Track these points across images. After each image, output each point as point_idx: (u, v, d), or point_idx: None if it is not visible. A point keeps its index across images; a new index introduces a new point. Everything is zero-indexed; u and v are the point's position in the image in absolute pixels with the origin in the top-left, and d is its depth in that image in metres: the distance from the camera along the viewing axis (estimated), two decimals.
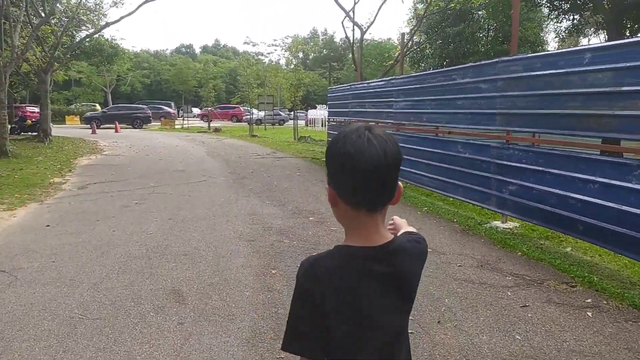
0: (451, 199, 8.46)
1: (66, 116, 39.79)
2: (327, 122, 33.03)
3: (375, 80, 12.46)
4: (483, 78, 7.28)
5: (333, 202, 1.15)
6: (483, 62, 7.63)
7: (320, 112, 36.61)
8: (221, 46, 77.72)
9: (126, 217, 7.22)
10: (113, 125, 31.96)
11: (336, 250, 1.16)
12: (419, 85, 9.27)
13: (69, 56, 21.90)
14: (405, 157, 10.00)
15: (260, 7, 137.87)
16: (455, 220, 7.20)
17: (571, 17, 18.98)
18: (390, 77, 10.97)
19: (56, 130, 29.28)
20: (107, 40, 26.36)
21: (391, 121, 10.56)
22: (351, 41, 21.07)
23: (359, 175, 1.06)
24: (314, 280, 1.12)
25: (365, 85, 12.50)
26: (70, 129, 31.73)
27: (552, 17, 19.58)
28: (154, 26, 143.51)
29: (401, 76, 10.38)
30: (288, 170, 12.63)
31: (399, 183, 1.14)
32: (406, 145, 9.58)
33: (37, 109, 40.25)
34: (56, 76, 25.15)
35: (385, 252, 1.14)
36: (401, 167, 1.12)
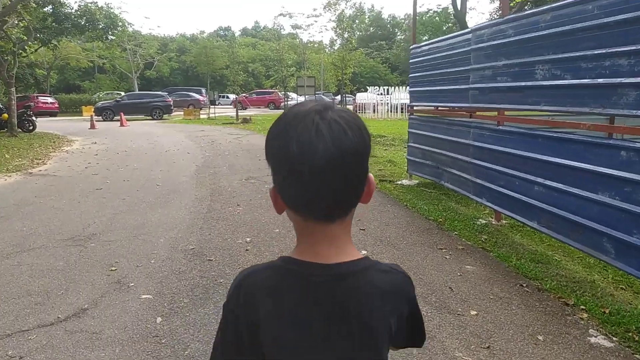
0: None
1: (83, 107, 33.51)
2: (407, 112, 24.07)
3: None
4: None
5: (277, 207, 0.81)
6: None
7: (371, 96, 28.67)
8: (261, 28, 69.97)
9: None
10: (130, 117, 25.42)
11: (278, 263, 0.82)
12: None
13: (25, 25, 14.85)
14: None
15: None
16: None
17: None
18: None
19: (52, 124, 22.92)
20: (99, 8, 19.40)
21: None
22: None
23: (305, 181, 0.72)
24: (243, 298, 0.81)
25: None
26: (76, 122, 25.30)
27: None
28: (193, 10, 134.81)
29: None
30: None
31: (370, 176, 0.80)
32: None
33: (50, 99, 34.48)
34: (37, 56, 18.54)
35: (334, 274, 0.78)
36: None
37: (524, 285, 3.77)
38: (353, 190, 0.78)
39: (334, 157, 0.72)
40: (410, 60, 7.82)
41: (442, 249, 4.57)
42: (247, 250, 4.56)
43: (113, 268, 4.11)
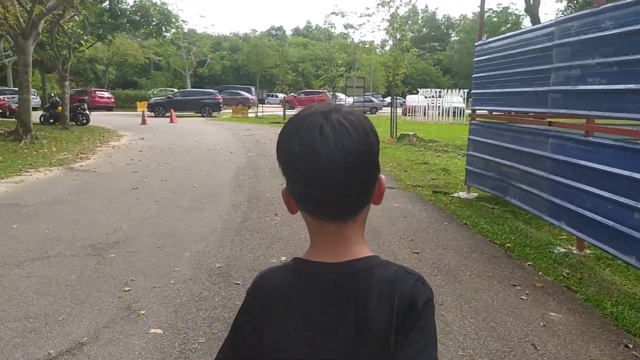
0: None
1: (137, 103, 34.20)
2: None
3: None
4: None
5: (290, 208, 0.82)
6: None
7: (422, 98, 27.51)
8: (313, 28, 69.42)
9: None
10: (180, 114, 25.64)
11: (291, 264, 0.84)
12: None
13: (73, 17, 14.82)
14: None
15: None
16: None
17: None
18: None
19: (106, 118, 23.32)
20: (153, 4, 19.41)
21: None
22: None
23: (310, 182, 0.74)
24: (256, 298, 0.83)
25: None
26: (129, 117, 25.69)
27: None
28: (247, 9, 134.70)
29: None
30: None
31: (381, 177, 0.81)
32: None
33: (107, 94, 35.37)
34: (96, 52, 18.75)
35: (341, 272, 0.79)
36: None
37: (630, 345, 2.89)
38: (360, 192, 0.78)
39: (337, 159, 0.72)
40: (475, 59, 6.92)
41: (515, 285, 3.73)
42: None
43: (127, 288, 3.55)
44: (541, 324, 3.12)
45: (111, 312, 3.17)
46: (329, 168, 0.72)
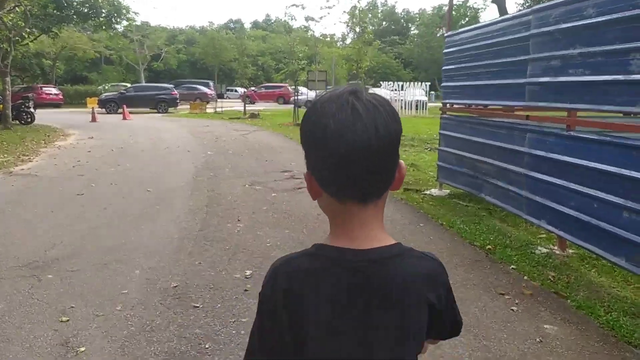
0: None
1: (88, 99, 32.56)
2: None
3: None
4: None
5: (312, 191, 0.82)
6: None
7: (386, 92, 27.44)
8: (272, 21, 68.37)
9: None
10: (134, 110, 24.67)
11: (312, 250, 0.82)
12: None
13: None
14: None
15: None
16: None
17: None
18: None
19: (53, 116, 21.96)
20: None
21: None
22: None
23: (341, 160, 0.74)
24: (279, 284, 0.80)
25: None
26: (78, 114, 24.36)
27: None
28: (203, 1, 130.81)
29: None
30: None
31: (401, 162, 0.80)
32: None
33: (54, 90, 33.56)
34: (42, 46, 17.56)
35: (370, 259, 0.78)
36: None
37: None
38: (385, 172, 0.78)
39: (370, 136, 0.72)
40: (444, 50, 6.65)
41: (503, 294, 3.46)
42: (246, 290, 3.47)
43: (65, 318, 3.04)
44: (537, 339, 2.84)
45: (44, 351, 2.67)
46: (362, 146, 0.72)
